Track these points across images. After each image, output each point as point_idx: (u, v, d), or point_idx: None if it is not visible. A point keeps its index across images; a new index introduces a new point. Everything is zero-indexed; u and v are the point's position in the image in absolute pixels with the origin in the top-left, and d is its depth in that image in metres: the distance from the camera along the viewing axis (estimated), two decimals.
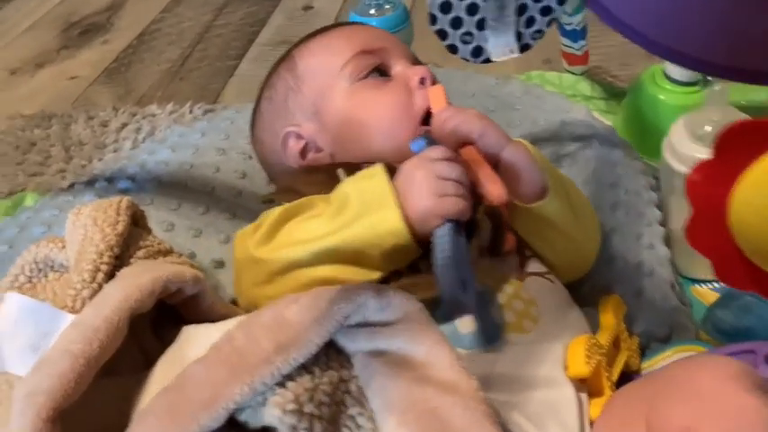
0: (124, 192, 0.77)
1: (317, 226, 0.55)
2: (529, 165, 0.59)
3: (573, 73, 1.10)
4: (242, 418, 0.41)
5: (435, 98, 0.65)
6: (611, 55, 1.21)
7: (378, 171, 0.55)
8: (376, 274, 0.53)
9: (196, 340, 0.47)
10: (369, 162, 0.64)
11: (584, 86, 1.07)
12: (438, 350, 0.43)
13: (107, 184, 0.78)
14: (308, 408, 0.40)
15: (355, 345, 0.44)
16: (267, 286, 0.55)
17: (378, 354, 0.44)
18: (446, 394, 0.42)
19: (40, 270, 0.60)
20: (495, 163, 0.59)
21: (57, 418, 0.41)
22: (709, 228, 0.36)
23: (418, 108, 0.65)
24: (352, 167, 0.63)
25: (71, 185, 0.81)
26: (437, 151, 0.55)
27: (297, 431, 0.40)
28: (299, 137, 0.69)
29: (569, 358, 0.55)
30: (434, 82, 0.67)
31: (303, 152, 0.69)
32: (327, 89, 0.67)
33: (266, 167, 0.76)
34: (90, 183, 0.79)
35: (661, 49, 0.44)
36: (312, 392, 0.41)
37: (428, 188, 0.52)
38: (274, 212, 0.58)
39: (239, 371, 0.41)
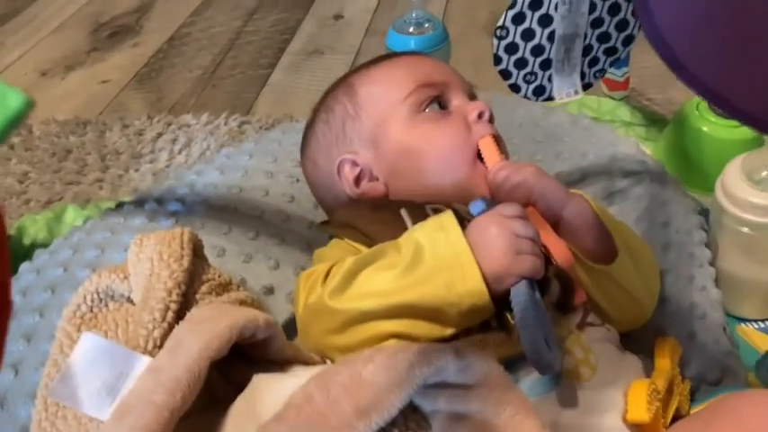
0: (174, 215, 0.77)
1: (392, 279, 0.54)
2: (593, 223, 0.59)
3: (612, 98, 1.10)
4: None
5: (487, 151, 0.64)
6: (646, 77, 1.21)
7: (450, 222, 0.55)
8: (449, 331, 0.53)
9: (271, 391, 0.47)
10: (426, 198, 0.65)
11: (624, 112, 1.07)
12: (522, 417, 0.43)
13: (157, 206, 0.78)
14: None
15: (434, 405, 0.44)
16: (339, 336, 0.55)
17: (458, 417, 0.44)
18: None
19: (101, 300, 0.60)
20: (557, 221, 0.59)
21: None
22: None
23: (474, 141, 0.66)
24: (412, 206, 0.63)
25: (119, 205, 0.80)
26: (511, 209, 0.55)
27: None
28: (354, 164, 0.69)
29: (630, 403, 0.55)
30: (492, 117, 0.68)
31: (358, 180, 0.69)
32: (387, 119, 0.67)
33: (317, 190, 0.76)
34: (139, 203, 0.79)
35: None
36: None
37: (504, 246, 0.52)
38: (348, 261, 0.57)
39: None
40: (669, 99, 1.18)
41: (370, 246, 0.60)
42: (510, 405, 0.45)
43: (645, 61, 1.21)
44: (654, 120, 1.08)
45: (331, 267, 0.58)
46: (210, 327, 0.49)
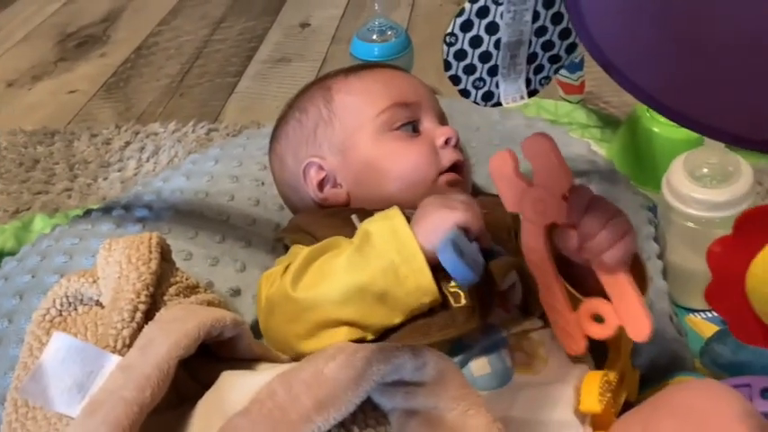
0: (141, 221, 0.79)
1: (343, 263, 0.57)
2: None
3: (568, 101, 1.14)
4: None
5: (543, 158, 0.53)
6: (603, 80, 1.25)
7: (394, 210, 0.59)
8: (398, 319, 0.56)
9: (236, 387, 0.49)
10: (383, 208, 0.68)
11: (581, 115, 1.11)
12: (474, 412, 0.45)
13: (124, 212, 0.80)
14: None
15: (392, 403, 0.46)
16: (296, 324, 0.58)
17: (413, 413, 0.46)
18: None
19: (70, 304, 0.62)
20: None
21: None
22: (727, 292, 0.39)
23: (439, 166, 0.69)
24: (367, 214, 0.66)
25: (87, 212, 0.82)
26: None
27: None
28: (320, 168, 0.72)
29: (583, 394, 0.57)
30: (458, 143, 0.71)
31: (321, 184, 0.72)
32: (358, 131, 0.71)
33: (282, 187, 0.78)
34: (107, 210, 0.81)
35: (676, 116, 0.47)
36: None
37: (435, 206, 0.56)
38: (303, 252, 0.60)
39: (281, 427, 0.43)
40: (624, 102, 1.22)
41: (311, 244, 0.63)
42: (463, 401, 0.47)
43: None
44: (609, 122, 1.12)
45: (289, 264, 0.60)
46: (179, 326, 0.51)
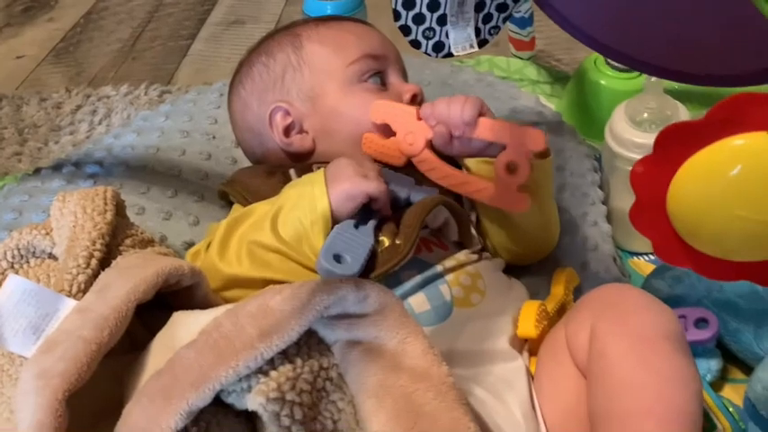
0: (92, 176, 0.79)
1: (261, 218, 0.61)
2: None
3: (520, 58, 1.15)
4: (229, 400, 0.45)
5: (386, 110, 0.68)
6: (555, 39, 1.27)
7: (318, 171, 0.62)
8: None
9: (186, 325, 0.50)
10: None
11: (531, 71, 1.13)
12: (412, 339, 0.47)
13: (74, 168, 0.80)
14: (290, 396, 0.44)
15: (335, 335, 0.48)
16: (227, 291, 0.62)
17: (355, 343, 0.48)
18: (419, 381, 0.46)
19: (22, 256, 0.62)
20: None
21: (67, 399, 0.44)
22: (650, 213, 0.41)
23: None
24: (306, 170, 0.68)
25: (37, 170, 0.81)
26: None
27: (279, 417, 0.43)
28: (287, 114, 0.72)
29: (521, 320, 0.61)
30: (423, 100, 0.73)
31: (287, 130, 0.73)
32: (328, 80, 0.71)
33: (242, 132, 0.78)
34: (57, 168, 0.80)
35: (609, 52, 0.49)
36: (294, 381, 0.44)
37: (352, 170, 0.60)
38: (222, 225, 0.63)
39: (225, 355, 0.44)
40: (575, 59, 1.24)
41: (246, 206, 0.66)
42: (403, 329, 0.49)
43: (555, 26, 1.27)
44: (559, 78, 1.14)
45: (210, 242, 0.64)
46: (138, 272, 0.52)
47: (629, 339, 0.52)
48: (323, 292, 0.46)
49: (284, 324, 0.44)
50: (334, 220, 0.59)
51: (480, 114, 0.64)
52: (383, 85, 0.73)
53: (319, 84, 0.72)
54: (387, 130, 0.67)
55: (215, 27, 1.46)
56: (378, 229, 0.60)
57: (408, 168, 0.67)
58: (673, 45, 0.46)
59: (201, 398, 0.42)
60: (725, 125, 0.37)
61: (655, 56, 0.48)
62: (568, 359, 0.56)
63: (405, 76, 0.75)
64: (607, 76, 0.98)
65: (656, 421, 0.48)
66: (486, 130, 0.63)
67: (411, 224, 0.60)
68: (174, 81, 1.29)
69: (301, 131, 0.73)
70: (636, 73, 0.97)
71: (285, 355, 0.45)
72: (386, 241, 0.60)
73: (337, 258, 0.55)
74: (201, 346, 0.44)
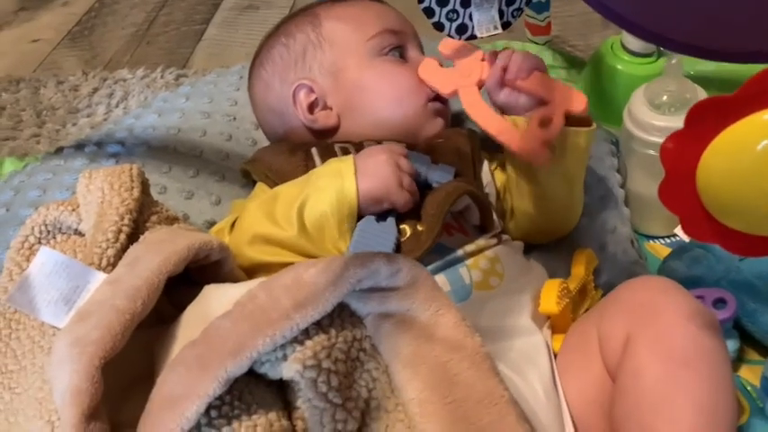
0: (114, 156, 0.79)
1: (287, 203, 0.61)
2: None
3: (536, 42, 1.16)
4: (262, 370, 0.46)
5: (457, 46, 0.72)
6: (570, 24, 1.27)
7: (347, 156, 0.62)
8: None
9: (218, 298, 0.51)
10: (373, 135, 0.70)
11: (547, 56, 1.13)
12: (444, 311, 0.48)
13: (97, 148, 0.80)
14: (326, 363, 0.45)
15: (367, 308, 0.49)
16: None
17: (388, 316, 0.49)
18: (453, 351, 0.47)
19: (48, 232, 0.62)
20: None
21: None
22: (679, 188, 0.42)
23: (428, 93, 0.72)
24: (328, 149, 0.69)
25: (59, 149, 0.82)
26: (399, 147, 0.63)
27: (316, 384, 0.44)
28: (310, 91, 0.73)
29: (542, 296, 0.62)
30: None
31: (311, 107, 0.73)
32: (349, 54, 0.72)
33: (265, 113, 0.78)
34: (79, 147, 0.81)
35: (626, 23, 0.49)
36: (329, 350, 0.45)
37: (388, 173, 0.59)
38: (247, 210, 0.64)
39: (262, 325, 0.45)
40: (590, 45, 1.24)
41: (275, 186, 0.66)
42: (434, 302, 0.50)
43: (569, 11, 1.27)
44: (574, 63, 1.14)
45: (235, 220, 0.64)
46: (168, 245, 0.53)
47: (668, 363, 0.50)
48: (356, 266, 0.46)
49: (318, 296, 0.45)
50: (358, 215, 0.60)
51: (537, 69, 0.67)
52: (402, 58, 0.73)
53: (341, 58, 0.72)
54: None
55: (228, 12, 1.46)
56: (398, 219, 0.61)
57: (424, 147, 0.68)
58: (704, 21, 0.47)
59: (239, 366, 0.43)
60: (756, 100, 0.38)
61: (685, 33, 0.48)
62: (597, 356, 0.56)
63: (422, 53, 0.76)
64: (624, 61, 0.98)
65: None
66: (535, 82, 0.66)
67: (434, 213, 0.60)
68: (188, 65, 1.29)
69: (325, 107, 0.73)
70: (652, 58, 0.98)
71: (320, 326, 0.45)
72: (407, 230, 0.60)
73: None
74: (237, 317, 0.45)
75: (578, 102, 0.66)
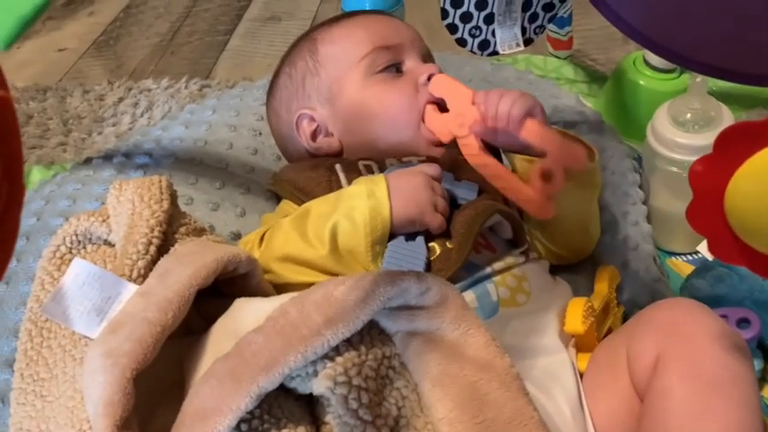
0: (142, 167, 0.81)
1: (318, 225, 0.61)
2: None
3: (557, 57, 1.16)
4: (292, 384, 0.46)
5: (445, 86, 0.68)
6: (590, 39, 1.28)
7: (379, 176, 0.62)
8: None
9: (249, 312, 0.51)
10: (377, 154, 0.70)
11: (568, 70, 1.14)
12: (474, 331, 0.49)
13: (125, 159, 0.82)
14: (357, 380, 0.45)
15: (396, 326, 0.49)
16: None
17: (416, 334, 0.49)
18: (483, 371, 0.47)
19: (79, 242, 0.64)
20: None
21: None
22: (707, 210, 0.42)
23: (421, 104, 0.70)
24: (346, 161, 0.69)
25: (88, 160, 0.83)
26: (433, 168, 0.62)
27: (347, 400, 0.44)
28: (312, 119, 0.74)
29: (568, 316, 0.61)
30: None
31: (314, 134, 0.74)
32: (343, 78, 0.72)
33: (280, 140, 0.80)
34: (107, 158, 0.82)
35: (662, 50, 0.50)
36: (360, 367, 0.46)
37: (425, 197, 0.59)
38: (281, 228, 0.64)
39: (294, 341, 0.45)
40: (611, 59, 1.25)
41: (302, 203, 0.66)
42: (464, 321, 0.50)
43: (589, 24, 1.28)
44: (596, 78, 1.14)
45: (264, 233, 0.64)
46: (197, 258, 0.53)
47: (697, 384, 0.50)
48: (386, 284, 0.47)
49: (349, 312, 0.45)
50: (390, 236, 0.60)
51: (530, 115, 0.63)
52: (399, 72, 0.72)
53: (335, 83, 0.72)
54: (443, 107, 0.68)
55: (251, 23, 1.48)
56: (427, 237, 0.61)
57: (446, 164, 0.68)
58: (727, 44, 0.47)
59: (271, 381, 0.44)
60: None
61: (709, 55, 0.48)
62: (626, 376, 0.56)
63: (426, 57, 0.74)
64: (646, 77, 0.99)
65: None
66: (529, 133, 0.63)
67: (464, 232, 0.60)
68: (212, 76, 1.31)
69: (327, 134, 0.73)
70: (675, 74, 0.98)
71: (350, 343, 0.46)
72: (437, 248, 0.60)
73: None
74: (269, 332, 0.46)
75: (576, 158, 0.62)
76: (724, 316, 0.68)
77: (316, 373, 0.45)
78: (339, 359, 0.45)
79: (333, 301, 0.47)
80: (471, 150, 0.65)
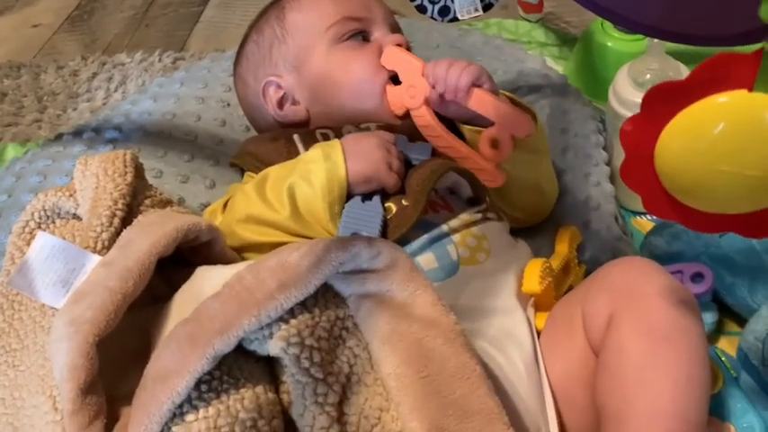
0: (111, 141, 0.82)
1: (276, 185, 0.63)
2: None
3: (528, 20, 1.16)
4: (251, 347, 0.48)
5: (396, 58, 0.70)
6: (564, 1, 1.28)
7: (334, 140, 0.64)
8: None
9: (210, 279, 0.53)
10: (343, 122, 0.71)
11: (539, 34, 1.14)
12: (421, 292, 0.50)
13: (94, 134, 0.83)
14: (309, 341, 0.47)
15: (349, 289, 0.51)
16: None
17: (368, 296, 0.51)
18: (429, 328, 0.49)
19: (48, 217, 0.65)
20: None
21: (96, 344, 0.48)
22: (639, 169, 0.43)
23: (384, 73, 0.71)
24: (304, 132, 0.71)
25: (59, 136, 0.84)
26: (388, 135, 0.64)
27: (299, 360, 0.47)
28: (278, 87, 0.75)
29: (525, 276, 0.63)
30: (408, 49, 0.73)
31: (281, 102, 0.75)
32: (310, 46, 0.73)
33: (246, 108, 0.81)
34: (77, 133, 0.83)
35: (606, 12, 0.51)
36: (312, 328, 0.48)
37: (380, 156, 0.61)
38: (244, 193, 0.65)
39: (248, 305, 0.47)
40: (583, 21, 1.24)
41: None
42: (412, 283, 0.52)
43: None
44: (567, 40, 1.15)
45: (227, 201, 0.66)
46: (158, 228, 0.55)
47: (648, 340, 0.52)
48: (338, 249, 0.49)
49: (302, 277, 0.47)
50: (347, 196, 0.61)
51: (477, 85, 0.65)
52: (365, 41, 0.73)
53: (302, 51, 0.73)
54: (396, 79, 0.69)
55: None
56: (382, 197, 0.62)
57: (401, 128, 0.69)
58: (669, 5, 0.48)
59: (226, 344, 0.45)
60: (708, 84, 0.39)
61: (654, 18, 0.49)
62: (581, 334, 0.58)
63: (394, 30, 0.75)
64: (614, 38, 0.99)
65: (666, 429, 0.50)
66: (476, 102, 0.65)
67: (419, 188, 0.62)
68: (186, 47, 1.31)
69: (294, 102, 0.74)
70: (641, 35, 0.98)
71: (304, 306, 0.48)
72: (393, 207, 0.62)
73: (354, 236, 0.58)
74: (225, 297, 0.48)
75: (522, 126, 0.64)
76: (679, 271, 0.70)
77: (271, 336, 0.47)
78: (293, 321, 0.47)
79: (286, 267, 0.49)
80: (424, 122, 0.67)
